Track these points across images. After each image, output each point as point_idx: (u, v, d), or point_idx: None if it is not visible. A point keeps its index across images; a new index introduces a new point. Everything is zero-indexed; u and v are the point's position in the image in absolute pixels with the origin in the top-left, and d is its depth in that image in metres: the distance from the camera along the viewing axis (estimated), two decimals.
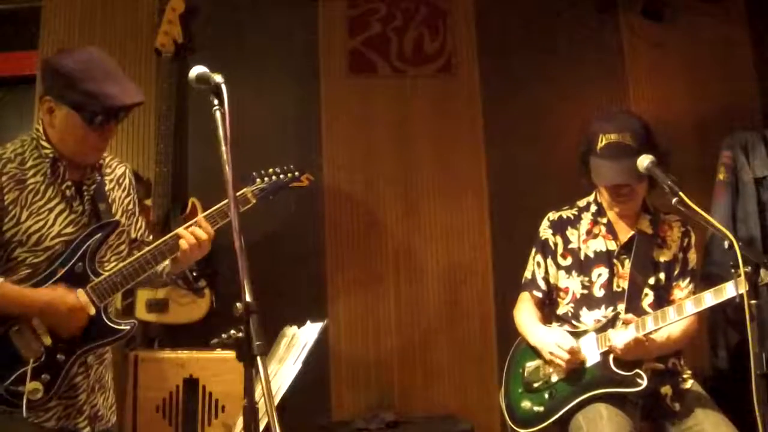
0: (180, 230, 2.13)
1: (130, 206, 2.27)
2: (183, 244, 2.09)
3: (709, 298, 2.14)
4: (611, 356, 2.31)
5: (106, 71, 2.02)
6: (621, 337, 2.27)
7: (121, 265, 2.08)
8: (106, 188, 2.17)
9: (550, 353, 2.38)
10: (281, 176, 2.43)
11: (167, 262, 2.18)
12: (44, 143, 2.05)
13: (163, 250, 2.10)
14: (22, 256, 2.00)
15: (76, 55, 2.05)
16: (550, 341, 2.39)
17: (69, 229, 2.05)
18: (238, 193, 2.15)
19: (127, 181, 2.27)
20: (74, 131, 2.01)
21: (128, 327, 2.08)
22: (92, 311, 2.02)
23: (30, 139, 2.08)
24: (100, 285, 2.04)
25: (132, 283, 2.08)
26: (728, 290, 2.07)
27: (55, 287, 1.99)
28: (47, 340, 1.97)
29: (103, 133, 2.04)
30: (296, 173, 2.48)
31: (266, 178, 2.40)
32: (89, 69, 1.99)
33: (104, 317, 2.05)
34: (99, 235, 2.06)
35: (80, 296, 2.01)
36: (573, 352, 2.33)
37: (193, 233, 2.11)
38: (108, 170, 2.22)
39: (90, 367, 2.10)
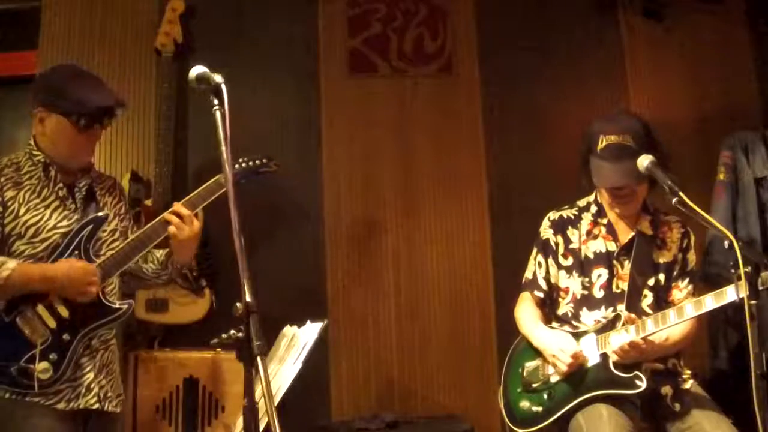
0: (164, 214, 2.28)
1: (122, 211, 2.40)
2: (171, 229, 2.24)
3: (710, 302, 2.13)
4: (611, 357, 2.31)
5: (89, 80, 2.27)
6: (618, 340, 2.27)
7: (115, 250, 2.23)
8: (97, 193, 2.33)
9: (553, 356, 2.38)
10: (250, 163, 2.65)
11: (163, 252, 2.33)
12: (36, 152, 2.22)
13: (149, 233, 2.25)
14: (21, 248, 2.14)
15: (61, 68, 2.36)
16: (554, 344, 2.39)
17: (64, 223, 2.19)
18: (211, 180, 2.34)
19: (117, 190, 2.43)
20: (64, 135, 2.18)
21: (125, 306, 2.22)
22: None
23: (23, 153, 2.26)
24: (97, 268, 2.17)
25: (128, 264, 2.23)
26: (729, 294, 2.05)
27: (69, 259, 2.14)
28: (52, 323, 2.10)
29: (90, 137, 2.23)
30: (264, 160, 2.67)
31: (236, 166, 2.61)
32: (74, 78, 2.23)
33: (103, 298, 2.18)
34: (90, 227, 2.21)
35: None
36: (576, 357, 2.33)
37: (176, 210, 2.26)
38: (99, 180, 2.38)
39: (95, 351, 2.21)
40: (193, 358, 2.87)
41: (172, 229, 2.23)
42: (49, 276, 2.09)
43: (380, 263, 3.56)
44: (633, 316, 2.30)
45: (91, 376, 2.17)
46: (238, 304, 1.47)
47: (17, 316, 2.07)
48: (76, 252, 2.16)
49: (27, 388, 2.04)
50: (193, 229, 2.25)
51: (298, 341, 2.43)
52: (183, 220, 2.24)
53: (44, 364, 2.05)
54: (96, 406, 2.16)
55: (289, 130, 3.58)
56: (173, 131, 3.33)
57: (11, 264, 2.04)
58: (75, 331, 2.12)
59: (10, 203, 2.14)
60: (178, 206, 2.27)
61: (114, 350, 2.32)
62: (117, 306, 2.20)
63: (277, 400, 2.20)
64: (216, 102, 1.65)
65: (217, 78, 1.67)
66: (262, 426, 1.56)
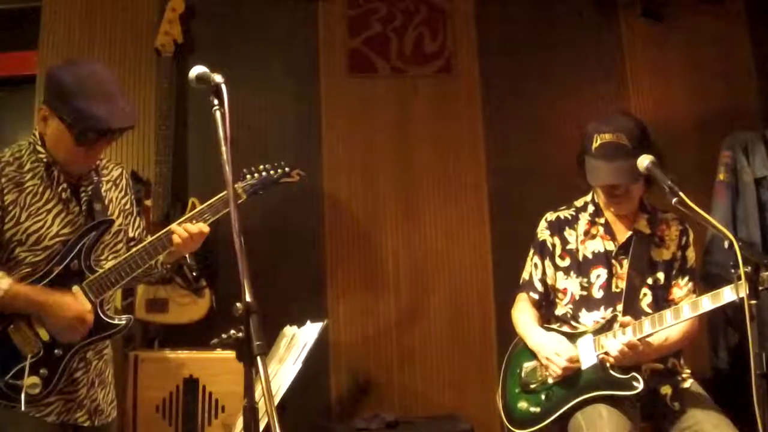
0: (173, 226, 2.18)
1: (127, 206, 2.31)
2: (176, 239, 2.15)
3: (707, 303, 2.13)
4: (608, 362, 2.31)
5: (101, 90, 2.04)
6: (614, 344, 2.27)
7: (116, 261, 2.13)
8: (103, 189, 2.22)
9: (547, 359, 2.38)
10: (271, 172, 2.50)
11: (161, 257, 2.24)
12: (40, 148, 2.10)
13: (156, 245, 2.16)
14: (22, 256, 2.05)
15: (78, 69, 2.08)
16: (548, 347, 2.39)
17: (66, 230, 2.10)
18: (223, 193, 2.22)
19: (123, 182, 2.32)
20: (63, 143, 2.06)
21: (123, 322, 2.14)
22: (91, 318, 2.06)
23: (28, 144, 2.13)
24: (96, 281, 2.09)
25: (127, 279, 2.13)
26: (726, 295, 2.06)
27: (67, 292, 2.04)
28: (45, 336, 2.02)
29: (90, 150, 2.08)
30: (286, 169, 2.54)
31: (256, 174, 2.47)
32: (84, 86, 2.02)
33: (100, 313, 2.10)
34: (93, 233, 2.11)
35: (77, 294, 2.06)
36: (571, 361, 2.33)
37: (186, 229, 2.16)
38: (105, 172, 2.27)
39: (89, 363, 2.15)
40: (193, 358, 2.87)
41: (176, 239, 2.13)
42: (39, 303, 2.00)
43: (380, 263, 3.56)
44: (629, 319, 2.30)
45: (84, 391, 2.12)
46: (238, 304, 1.47)
47: (9, 327, 2.00)
48: (75, 261, 2.07)
49: (15, 402, 1.97)
50: (197, 245, 2.19)
51: (298, 341, 2.43)
52: (192, 238, 2.15)
53: (33, 379, 1.98)
54: (86, 423, 2.12)
55: (289, 130, 3.58)
56: (173, 131, 3.33)
57: (4, 285, 1.95)
58: (69, 346, 2.04)
59: (10, 208, 2.04)
60: (199, 226, 2.17)
61: (107, 359, 2.26)
62: (115, 322, 2.12)
63: (277, 400, 2.20)
64: (216, 102, 1.65)
65: (217, 78, 1.66)
66: (262, 426, 1.56)
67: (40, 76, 3.32)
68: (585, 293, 2.45)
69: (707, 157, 3.41)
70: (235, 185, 2.35)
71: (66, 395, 2.08)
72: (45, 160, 2.10)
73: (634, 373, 2.26)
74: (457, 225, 3.61)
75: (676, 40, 3.78)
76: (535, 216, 2.65)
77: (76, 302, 2.04)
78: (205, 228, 2.19)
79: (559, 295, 2.52)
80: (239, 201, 2.37)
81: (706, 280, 2.88)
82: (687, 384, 2.38)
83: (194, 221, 2.20)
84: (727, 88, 3.73)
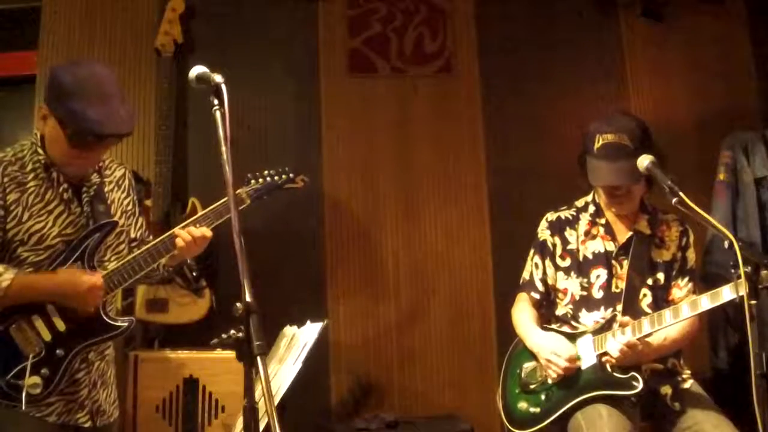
0: (176, 230, 2.18)
1: (130, 207, 2.30)
2: (179, 242, 2.15)
3: (706, 302, 2.14)
4: (607, 362, 2.31)
5: (98, 92, 2.00)
6: (613, 344, 2.27)
7: (118, 264, 2.13)
8: (106, 189, 2.22)
9: (547, 360, 2.38)
10: (275, 177, 2.49)
11: (164, 259, 2.23)
12: (39, 149, 2.09)
13: (159, 248, 2.15)
14: (24, 255, 2.05)
15: (78, 70, 2.04)
16: (548, 347, 2.39)
17: (69, 230, 2.10)
18: (225, 199, 2.20)
19: (126, 182, 2.31)
20: (58, 144, 2.04)
21: (126, 324, 2.13)
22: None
23: (30, 144, 2.13)
24: None
25: (130, 281, 2.13)
26: (725, 294, 2.06)
27: (71, 268, 2.05)
28: (47, 335, 2.02)
29: (83, 152, 2.05)
30: (290, 174, 2.53)
31: (260, 179, 2.46)
32: (83, 87, 1.99)
33: (102, 314, 2.10)
34: (97, 235, 2.11)
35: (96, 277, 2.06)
36: (571, 360, 2.33)
37: (190, 232, 2.16)
38: (108, 172, 2.26)
39: (91, 363, 2.15)
40: (193, 358, 2.87)
41: (180, 243, 2.13)
42: (48, 286, 2.01)
43: (380, 263, 3.56)
44: (628, 319, 2.30)
45: (85, 392, 2.11)
46: (238, 304, 1.47)
47: (11, 326, 2.00)
48: (79, 263, 2.06)
49: (17, 401, 1.96)
50: (200, 249, 2.19)
51: (298, 341, 2.43)
52: (195, 242, 2.15)
53: (35, 379, 1.97)
54: (88, 424, 2.11)
55: (289, 130, 3.58)
56: (173, 131, 3.33)
57: (9, 274, 1.96)
58: (70, 346, 2.04)
59: (13, 207, 2.03)
60: (202, 230, 2.17)
61: (109, 360, 2.25)
62: (117, 324, 2.11)
63: (277, 400, 2.20)
64: (216, 102, 1.65)
65: (217, 78, 1.66)
66: (262, 426, 1.56)
67: (40, 76, 3.32)
68: (585, 293, 2.45)
69: (707, 157, 3.42)
70: (240, 190, 2.36)
71: (67, 396, 2.08)
72: (43, 161, 2.09)
73: (634, 373, 2.26)
74: (457, 225, 3.61)
75: (676, 40, 3.78)
76: (535, 216, 2.65)
77: (84, 273, 2.04)
78: (207, 232, 2.18)
79: (560, 295, 2.52)
80: (243, 206, 2.38)
81: (706, 280, 2.89)
82: (687, 384, 2.38)
83: (197, 225, 2.19)
84: (727, 88, 3.73)
